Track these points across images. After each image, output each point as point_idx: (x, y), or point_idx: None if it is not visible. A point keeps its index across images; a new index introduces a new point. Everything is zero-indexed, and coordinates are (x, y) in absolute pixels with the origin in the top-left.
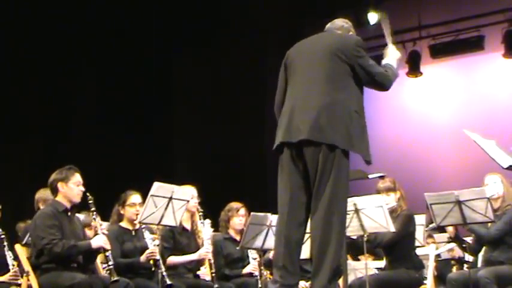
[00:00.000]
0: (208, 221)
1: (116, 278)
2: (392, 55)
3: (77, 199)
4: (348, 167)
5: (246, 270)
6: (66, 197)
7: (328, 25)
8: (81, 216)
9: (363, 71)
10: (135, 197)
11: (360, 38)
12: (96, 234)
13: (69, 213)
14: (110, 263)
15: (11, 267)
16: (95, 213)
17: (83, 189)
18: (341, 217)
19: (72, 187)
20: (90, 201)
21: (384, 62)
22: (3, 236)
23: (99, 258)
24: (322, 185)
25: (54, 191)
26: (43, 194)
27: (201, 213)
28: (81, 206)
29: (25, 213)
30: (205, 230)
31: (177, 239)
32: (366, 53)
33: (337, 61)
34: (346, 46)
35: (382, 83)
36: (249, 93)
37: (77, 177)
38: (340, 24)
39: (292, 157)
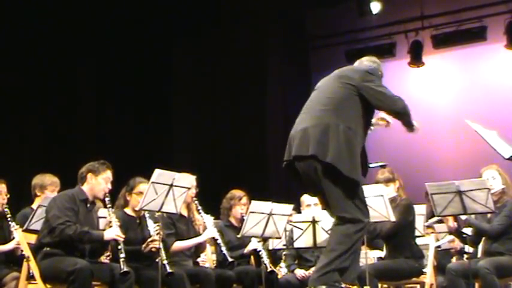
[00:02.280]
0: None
1: (125, 269)
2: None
3: (100, 195)
4: (340, 176)
5: (248, 249)
6: (91, 189)
7: (356, 63)
8: None
9: (370, 92)
10: (143, 186)
11: (374, 67)
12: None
13: (88, 205)
14: (122, 255)
15: (15, 235)
16: (110, 208)
17: (109, 187)
18: (348, 223)
19: (100, 181)
20: (106, 197)
21: None
22: (6, 210)
23: None
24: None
25: (82, 180)
26: (39, 180)
27: (196, 202)
28: None
29: (24, 200)
30: (205, 216)
31: (176, 226)
32: (378, 78)
33: (341, 85)
34: (354, 72)
35: (390, 103)
36: (249, 82)
37: (108, 174)
38: (366, 64)
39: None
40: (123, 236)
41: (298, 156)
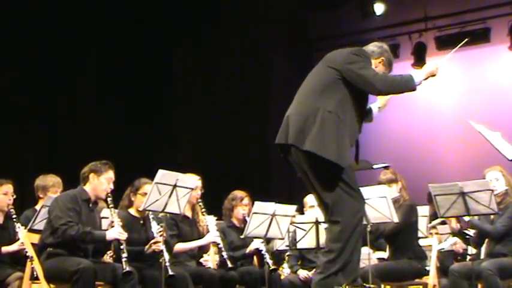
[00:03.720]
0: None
1: (128, 269)
2: (425, 69)
3: (103, 195)
4: (327, 164)
5: (251, 247)
6: (93, 189)
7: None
8: None
9: (353, 75)
10: (148, 187)
11: (359, 48)
12: (112, 227)
13: (90, 205)
14: (124, 255)
15: (20, 236)
16: (113, 208)
17: (112, 187)
18: (343, 216)
19: (102, 181)
20: (109, 197)
21: (412, 72)
22: (12, 210)
23: None
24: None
25: (85, 180)
26: (41, 181)
27: (200, 204)
28: None
29: (27, 200)
30: (208, 218)
31: (180, 227)
32: (363, 59)
33: (325, 69)
34: (338, 55)
35: (371, 84)
36: (251, 82)
37: (110, 174)
38: (370, 49)
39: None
40: (126, 235)
41: (280, 144)
